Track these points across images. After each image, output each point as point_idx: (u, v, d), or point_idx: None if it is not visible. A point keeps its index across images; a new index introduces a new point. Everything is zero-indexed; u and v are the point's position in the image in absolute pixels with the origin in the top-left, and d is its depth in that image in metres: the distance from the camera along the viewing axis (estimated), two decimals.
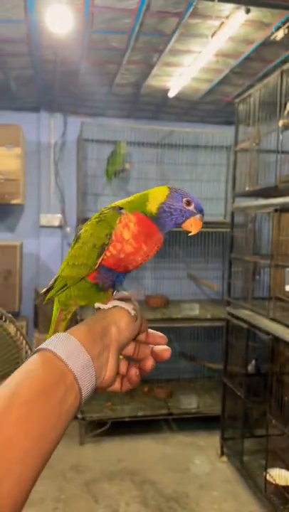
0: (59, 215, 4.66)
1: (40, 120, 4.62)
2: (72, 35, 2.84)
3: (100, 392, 0.65)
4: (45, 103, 4.45)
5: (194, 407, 4.06)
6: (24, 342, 2.27)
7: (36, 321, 4.29)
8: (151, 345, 0.71)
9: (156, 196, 0.73)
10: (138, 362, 0.71)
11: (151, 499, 3.09)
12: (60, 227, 4.69)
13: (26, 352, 2.33)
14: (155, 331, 0.73)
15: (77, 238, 0.77)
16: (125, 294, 0.74)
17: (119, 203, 0.75)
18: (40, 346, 0.57)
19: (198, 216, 0.74)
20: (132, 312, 0.68)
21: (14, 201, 4.10)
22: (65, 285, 0.78)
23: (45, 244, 4.68)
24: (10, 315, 2.17)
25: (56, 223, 4.65)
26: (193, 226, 0.74)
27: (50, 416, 0.51)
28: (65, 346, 0.57)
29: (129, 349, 0.71)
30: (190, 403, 4.07)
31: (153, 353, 0.71)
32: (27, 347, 2.29)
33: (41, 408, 0.50)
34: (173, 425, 4.15)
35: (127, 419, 3.90)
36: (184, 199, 0.73)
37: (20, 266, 4.08)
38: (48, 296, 0.82)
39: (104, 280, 0.74)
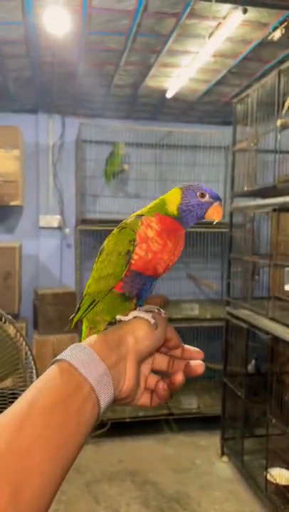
0: (58, 216, 4.66)
1: (38, 121, 4.63)
2: (70, 36, 2.84)
3: (122, 404, 0.65)
4: (44, 104, 4.45)
5: (195, 408, 4.06)
6: (24, 343, 2.27)
7: (36, 322, 4.29)
8: (186, 360, 0.71)
9: (172, 199, 0.74)
10: (168, 376, 0.70)
11: (152, 500, 3.09)
12: (59, 228, 4.69)
13: (26, 353, 2.33)
14: (191, 347, 0.72)
15: (100, 252, 0.78)
16: (149, 307, 0.73)
17: (138, 212, 0.76)
18: (56, 358, 0.58)
19: (216, 203, 0.75)
20: (152, 321, 0.67)
21: (13, 203, 4.10)
22: (93, 302, 0.78)
23: (44, 246, 4.68)
24: (10, 316, 2.17)
25: (55, 224, 4.66)
26: (215, 214, 0.75)
27: (69, 426, 0.51)
28: (80, 356, 0.57)
29: (163, 363, 0.71)
30: (190, 403, 4.07)
31: (187, 368, 0.70)
32: (27, 348, 2.29)
33: (59, 418, 0.50)
34: (173, 425, 4.15)
35: (127, 420, 3.90)
36: (198, 193, 0.75)
37: (19, 267, 4.08)
38: (76, 318, 0.81)
39: (130, 289, 0.74)
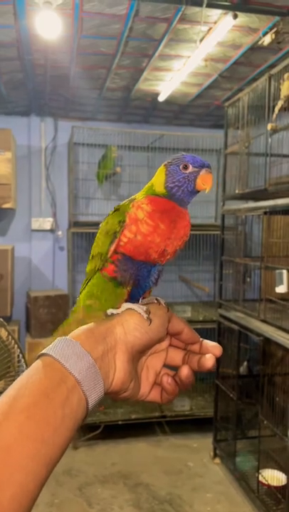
0: (50, 219, 4.66)
1: (30, 124, 4.63)
2: (62, 40, 2.86)
3: (122, 398, 0.63)
4: (36, 107, 4.45)
5: (187, 410, 4.07)
6: (16, 346, 2.27)
7: (28, 324, 4.28)
8: (200, 355, 0.67)
9: (158, 178, 0.71)
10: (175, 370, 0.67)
11: (144, 502, 3.09)
12: (52, 230, 4.69)
13: (18, 356, 2.32)
14: (209, 342, 0.68)
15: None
16: (150, 298, 0.70)
17: (132, 197, 0.74)
18: (40, 352, 0.57)
19: (203, 171, 0.71)
20: (143, 314, 0.64)
21: (5, 205, 4.09)
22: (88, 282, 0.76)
23: (36, 248, 4.68)
24: (1, 319, 2.17)
25: (48, 227, 4.66)
26: (204, 184, 0.71)
27: (51, 420, 0.49)
28: (63, 349, 0.56)
29: (177, 358, 0.68)
30: (183, 405, 4.08)
31: (198, 363, 0.66)
32: (18, 351, 2.29)
33: (41, 412, 0.49)
34: (166, 428, 4.15)
35: (120, 423, 3.90)
36: (181, 166, 0.70)
37: (11, 270, 4.08)
38: (81, 290, 0.79)
39: (123, 274, 0.70)
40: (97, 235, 0.73)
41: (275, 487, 2.91)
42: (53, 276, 4.69)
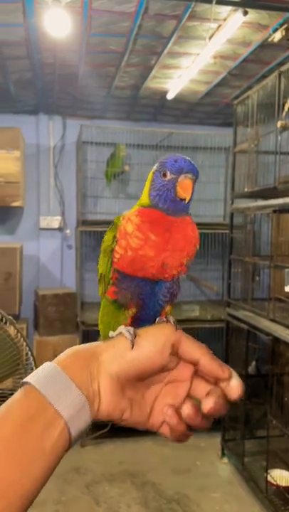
0: (59, 218, 4.67)
1: (39, 123, 4.64)
2: (70, 38, 2.85)
3: (117, 423, 0.59)
4: (45, 106, 4.46)
5: None
6: (24, 344, 2.27)
7: (36, 323, 4.29)
8: (222, 382, 0.58)
9: (146, 188, 0.68)
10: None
11: (152, 501, 3.09)
12: (60, 229, 4.70)
13: (26, 353, 2.33)
14: (212, 362, 0.57)
15: None
16: (161, 319, 0.63)
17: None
18: (24, 379, 0.54)
19: (181, 178, 0.64)
20: (128, 338, 0.57)
21: (14, 204, 4.11)
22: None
23: (45, 247, 4.69)
24: (10, 317, 2.18)
25: (56, 225, 4.66)
26: (183, 192, 0.64)
27: (29, 452, 0.48)
28: (46, 376, 0.53)
29: (201, 390, 0.58)
30: None
31: (218, 391, 0.57)
32: (27, 348, 2.29)
33: (19, 444, 0.48)
34: None
35: None
36: (161, 173, 0.65)
37: (20, 268, 4.09)
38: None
39: (123, 293, 0.65)
40: (100, 255, 0.70)
41: (284, 487, 2.89)
42: (61, 274, 4.70)
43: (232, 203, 3.60)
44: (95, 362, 0.56)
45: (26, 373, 2.26)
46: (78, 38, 2.91)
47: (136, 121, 4.80)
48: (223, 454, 3.63)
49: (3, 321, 2.10)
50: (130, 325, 0.63)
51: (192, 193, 0.65)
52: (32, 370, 2.35)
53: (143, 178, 4.49)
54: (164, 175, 0.65)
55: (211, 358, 0.57)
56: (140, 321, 0.65)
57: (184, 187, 0.64)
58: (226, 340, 3.57)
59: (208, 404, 0.56)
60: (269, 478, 2.95)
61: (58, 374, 0.53)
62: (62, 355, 0.56)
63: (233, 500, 3.10)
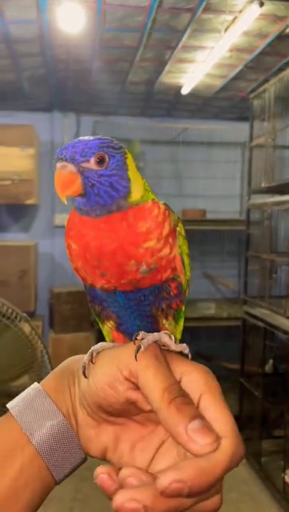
0: None
1: (53, 120, 4.63)
2: (84, 33, 2.83)
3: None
4: (58, 103, 4.45)
5: None
6: (39, 341, 2.27)
7: (52, 320, 4.30)
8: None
9: None
10: None
11: None
12: None
13: (41, 351, 2.33)
14: (172, 414, 0.41)
15: None
16: (145, 336, 0.51)
17: None
18: (9, 403, 0.50)
19: (57, 166, 0.53)
20: (82, 362, 0.50)
21: (29, 201, 4.11)
22: None
23: (59, 244, 4.69)
24: (25, 314, 2.17)
25: None
26: (55, 185, 0.53)
27: (4, 491, 0.45)
28: (29, 403, 0.48)
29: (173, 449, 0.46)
30: None
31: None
32: (42, 346, 2.29)
33: None
34: None
35: None
36: None
37: (35, 266, 4.10)
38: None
39: (93, 304, 0.58)
40: None
41: None
42: None
43: (249, 198, 3.54)
44: (72, 385, 0.51)
45: (41, 371, 2.26)
46: (92, 33, 2.88)
47: (150, 116, 4.76)
48: None
49: (18, 318, 2.10)
50: (116, 340, 0.58)
51: (77, 187, 0.52)
52: (47, 367, 2.35)
53: (158, 174, 4.48)
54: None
55: (178, 406, 0.41)
56: (128, 336, 0.57)
57: (57, 179, 0.53)
58: (243, 339, 3.52)
59: (164, 481, 0.37)
60: (286, 478, 2.90)
61: (41, 400, 0.49)
62: (49, 376, 0.52)
63: (249, 501, 3.06)
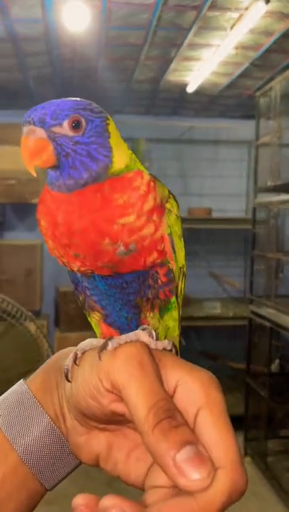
0: None
1: None
2: (89, 32, 2.82)
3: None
4: None
5: None
6: (44, 340, 2.28)
7: (57, 319, 4.31)
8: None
9: None
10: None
11: None
12: None
13: (46, 350, 2.33)
14: (158, 437, 0.35)
15: None
16: (129, 336, 0.44)
17: None
18: None
19: (24, 130, 0.46)
20: (65, 364, 0.44)
21: (34, 200, 4.12)
22: None
23: None
24: (30, 313, 2.18)
25: None
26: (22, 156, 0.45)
27: None
28: (14, 405, 0.45)
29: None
30: None
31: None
32: (47, 345, 2.30)
33: None
34: None
35: None
36: None
37: (40, 265, 4.11)
38: None
39: (77, 293, 0.53)
40: None
41: None
42: None
43: (255, 197, 3.52)
44: (60, 386, 0.46)
45: None
46: (97, 31, 2.87)
47: (156, 115, 4.74)
48: (245, 454, 3.57)
49: (24, 317, 2.11)
50: (104, 334, 0.52)
51: (48, 155, 0.44)
52: None
53: (164, 173, 4.46)
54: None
55: (165, 430, 0.34)
56: (117, 329, 0.52)
57: (23, 146, 0.45)
58: (249, 338, 3.50)
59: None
60: None
61: (26, 403, 0.45)
62: (36, 373, 0.48)
63: (255, 500, 3.05)
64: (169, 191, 0.51)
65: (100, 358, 0.40)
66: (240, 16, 2.66)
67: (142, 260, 0.46)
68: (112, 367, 0.38)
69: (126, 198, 0.44)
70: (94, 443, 0.44)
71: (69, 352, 0.46)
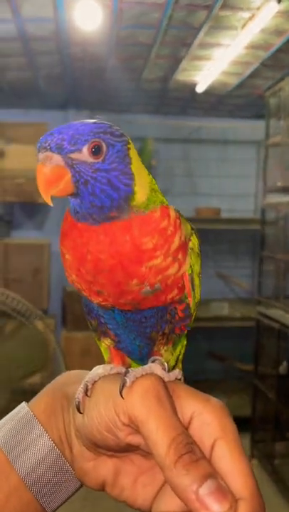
0: None
1: (67, 117, 4.63)
2: (100, 31, 2.82)
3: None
4: (73, 100, 4.45)
5: None
6: (52, 337, 2.28)
7: (64, 319, 4.31)
8: None
9: None
10: None
11: None
12: None
13: (54, 348, 2.33)
14: (179, 475, 0.36)
15: None
16: (145, 369, 0.44)
17: None
18: None
19: (39, 157, 0.43)
20: (76, 396, 0.44)
21: (42, 200, 4.11)
22: None
23: None
24: (39, 311, 2.18)
25: None
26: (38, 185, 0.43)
27: None
28: (15, 428, 0.44)
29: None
30: None
31: None
32: (55, 343, 2.30)
33: None
34: None
35: None
36: None
37: (48, 264, 4.11)
38: None
39: (89, 318, 0.53)
40: None
41: None
42: None
43: (264, 198, 3.50)
44: (66, 411, 0.46)
45: (54, 369, 2.27)
46: (108, 31, 2.86)
47: (165, 114, 4.73)
48: (252, 456, 3.56)
49: (33, 316, 2.11)
50: (115, 359, 0.51)
51: (66, 184, 0.42)
52: (59, 365, 2.36)
53: (172, 172, 4.45)
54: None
55: (187, 465, 0.35)
56: (128, 354, 0.52)
57: (39, 175, 0.43)
58: (256, 340, 3.48)
59: None
60: None
61: (29, 426, 0.45)
62: (39, 396, 0.48)
63: None
64: (192, 227, 0.50)
65: (122, 396, 0.40)
66: (252, 15, 2.64)
67: (163, 297, 0.46)
68: (131, 402, 0.39)
69: (155, 241, 0.44)
70: (101, 469, 0.45)
71: (75, 376, 0.48)
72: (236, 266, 4.58)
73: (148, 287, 0.44)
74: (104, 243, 0.43)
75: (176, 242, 0.45)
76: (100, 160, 0.43)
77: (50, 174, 0.42)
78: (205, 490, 0.35)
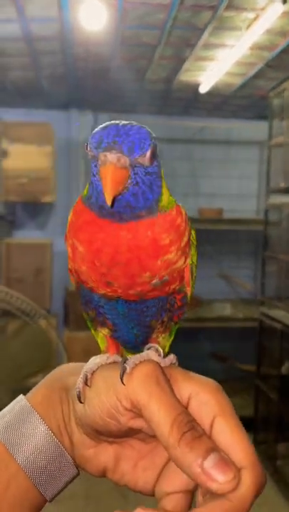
0: None
1: (70, 117, 4.64)
2: (105, 31, 2.82)
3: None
4: (76, 100, 4.46)
5: None
6: (56, 336, 2.28)
7: (67, 318, 4.32)
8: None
9: None
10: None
11: None
12: None
13: (56, 345, 2.34)
14: (185, 452, 0.39)
15: None
16: (142, 355, 0.47)
17: None
18: None
19: (100, 158, 0.43)
20: (76, 386, 0.46)
21: (45, 199, 4.13)
22: None
23: None
24: (43, 310, 2.19)
25: None
26: (103, 184, 0.42)
27: None
28: (12, 419, 0.46)
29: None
30: None
31: None
32: (58, 341, 2.30)
33: None
34: None
35: None
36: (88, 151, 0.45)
37: (50, 264, 4.11)
38: None
39: (86, 308, 0.53)
40: None
41: None
42: None
43: (267, 198, 3.51)
44: (65, 401, 0.47)
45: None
46: (113, 31, 2.87)
47: (168, 115, 4.74)
48: None
49: (37, 316, 2.11)
50: (111, 348, 0.53)
51: (125, 185, 0.42)
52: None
53: (175, 173, 4.45)
54: (87, 148, 0.45)
55: (190, 442, 0.38)
56: (124, 343, 0.54)
57: (103, 174, 0.42)
58: (259, 340, 3.48)
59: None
60: None
61: (27, 416, 0.46)
62: (36, 388, 0.49)
63: (263, 504, 3.03)
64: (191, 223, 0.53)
65: (123, 383, 0.42)
66: (257, 16, 2.65)
67: (167, 288, 0.48)
68: (132, 387, 0.42)
69: (171, 237, 0.46)
70: (102, 455, 0.47)
71: (72, 368, 0.50)
72: (239, 266, 4.58)
73: (158, 279, 0.46)
74: (125, 238, 0.45)
75: (186, 237, 0.48)
76: (153, 164, 0.45)
77: (120, 176, 0.42)
78: (209, 463, 0.37)
